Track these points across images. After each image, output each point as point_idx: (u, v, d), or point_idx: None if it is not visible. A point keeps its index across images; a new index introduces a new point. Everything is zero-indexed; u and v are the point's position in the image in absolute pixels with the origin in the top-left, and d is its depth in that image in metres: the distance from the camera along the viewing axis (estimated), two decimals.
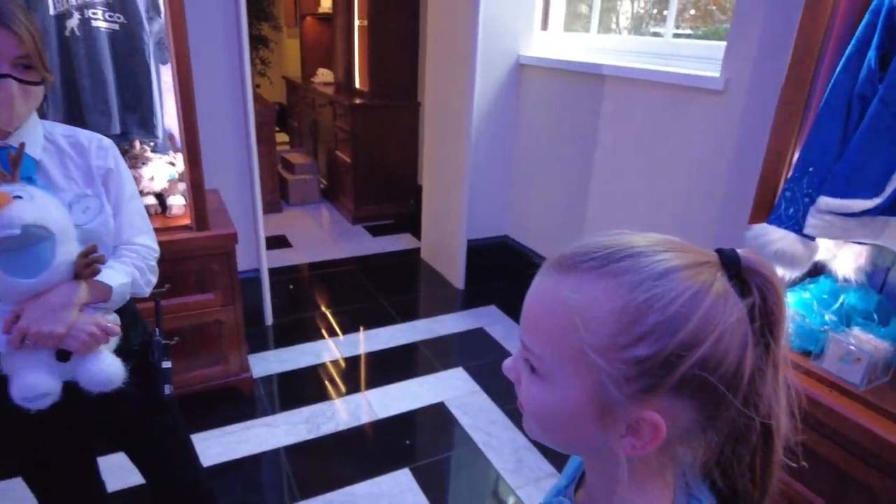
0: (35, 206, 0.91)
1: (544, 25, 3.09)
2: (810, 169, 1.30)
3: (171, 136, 2.21)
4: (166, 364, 1.17)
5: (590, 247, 0.47)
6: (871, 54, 1.22)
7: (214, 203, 2.26)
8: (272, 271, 3.22)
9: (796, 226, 1.31)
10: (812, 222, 1.28)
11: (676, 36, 2.40)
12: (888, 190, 1.19)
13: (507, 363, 0.53)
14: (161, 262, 1.91)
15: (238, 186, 2.61)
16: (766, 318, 0.45)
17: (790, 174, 1.33)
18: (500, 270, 3.30)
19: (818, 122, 1.29)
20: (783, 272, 1.35)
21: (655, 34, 2.64)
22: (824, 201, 1.26)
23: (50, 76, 0.99)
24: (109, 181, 1.09)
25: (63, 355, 1.00)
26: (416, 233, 3.80)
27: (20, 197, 0.91)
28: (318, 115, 4.79)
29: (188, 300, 2.02)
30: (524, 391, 0.51)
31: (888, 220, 1.22)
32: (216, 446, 1.95)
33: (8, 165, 0.95)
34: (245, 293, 2.54)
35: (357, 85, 4.35)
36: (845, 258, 1.42)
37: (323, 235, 3.97)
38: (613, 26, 2.98)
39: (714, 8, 2.52)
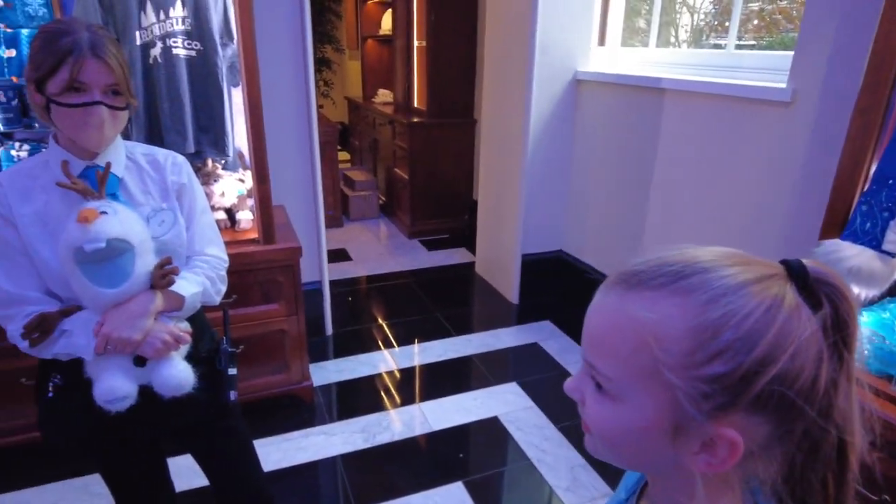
0: (118, 221, 0.99)
1: (601, 41, 3.07)
2: (890, 181, 1.23)
3: (240, 155, 2.33)
4: (232, 371, 1.23)
5: (656, 263, 0.47)
6: None
7: (280, 218, 2.36)
8: (333, 283, 3.32)
9: (874, 241, 1.25)
10: (893, 238, 1.21)
11: (739, 47, 2.33)
12: None
13: (569, 383, 0.52)
14: (229, 273, 2.02)
15: (302, 202, 2.72)
16: (838, 329, 0.44)
17: (867, 187, 1.27)
18: (555, 285, 3.26)
19: None
20: (859, 291, 1.28)
21: (717, 46, 2.58)
22: None
23: (134, 101, 1.08)
24: (183, 196, 1.17)
25: (140, 361, 1.07)
26: (471, 247, 3.83)
27: (105, 212, 0.99)
28: (377, 134, 4.92)
29: (254, 310, 2.11)
30: (590, 411, 0.50)
31: None
32: (276, 452, 2.01)
33: (96, 183, 1.04)
34: (307, 304, 2.63)
35: (415, 104, 4.44)
36: None
37: (380, 249, 4.05)
38: (672, 40, 2.93)
39: (780, 17, 2.44)
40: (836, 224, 1.31)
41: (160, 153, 1.19)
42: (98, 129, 1.02)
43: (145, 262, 1.03)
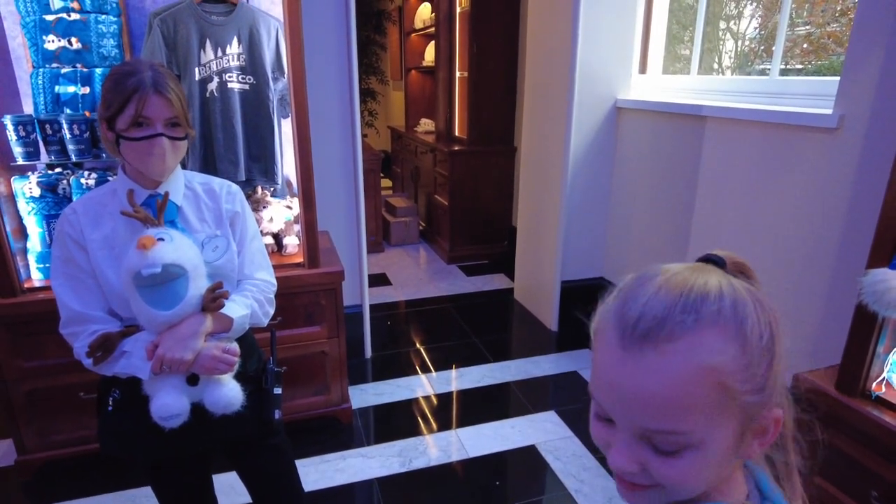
0: (174, 248, 1.06)
1: (643, 69, 3.09)
2: None
3: (288, 183, 2.44)
4: (277, 391, 1.28)
5: (664, 306, 0.46)
6: None
7: (325, 243, 2.44)
8: (373, 307, 3.38)
9: None
10: None
11: (785, 72, 2.31)
12: None
13: (621, 462, 0.49)
14: (277, 296, 2.10)
15: (345, 227, 2.80)
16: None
17: None
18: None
19: None
20: None
21: (762, 72, 2.56)
22: None
23: (192, 131, 1.17)
24: (236, 222, 1.24)
25: (193, 380, 1.13)
26: (510, 273, 3.83)
27: (162, 239, 1.06)
28: (419, 162, 5.03)
29: (297, 332, 2.17)
30: (665, 473, 0.48)
31: None
32: (314, 473, 2.05)
33: (155, 211, 1.13)
34: (348, 327, 2.69)
35: (456, 133, 4.53)
36: None
37: (420, 274, 4.10)
38: (716, 66, 2.92)
39: (829, 40, 2.41)
40: (885, 253, 1.28)
41: (216, 182, 1.27)
42: (161, 159, 1.11)
43: (198, 286, 1.10)
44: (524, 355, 2.94)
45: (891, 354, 1.35)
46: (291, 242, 2.25)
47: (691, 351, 0.45)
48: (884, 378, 1.36)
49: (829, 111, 1.91)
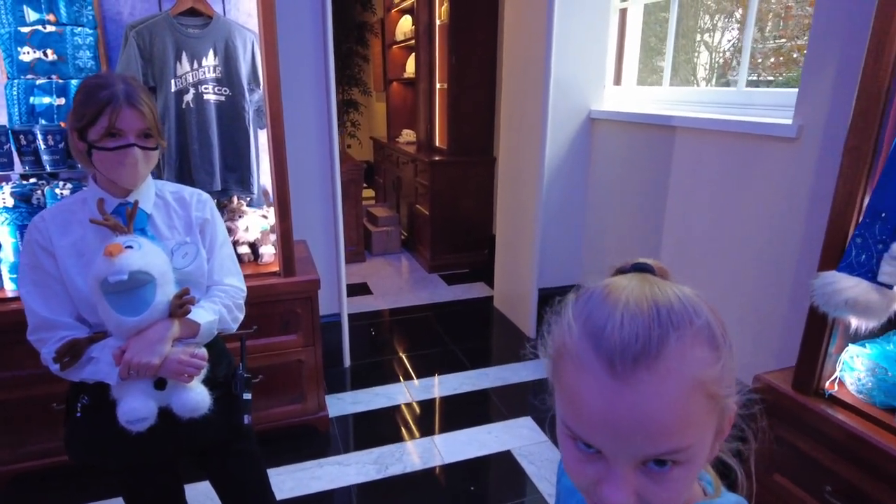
0: (141, 255, 1.08)
1: (617, 80, 3.16)
2: (883, 214, 1.25)
3: (265, 192, 2.46)
4: (247, 396, 1.30)
5: (638, 324, 0.45)
6: None
7: (301, 252, 2.46)
8: (353, 316, 3.40)
9: (869, 273, 1.26)
10: (887, 269, 1.23)
11: (756, 84, 2.39)
12: None
13: (621, 497, 0.46)
14: (250, 304, 2.10)
15: (324, 237, 2.82)
16: None
17: (861, 220, 1.29)
18: None
19: (889, 168, 1.25)
20: (858, 322, 1.29)
21: (732, 83, 2.64)
22: None
23: (163, 142, 1.19)
24: (206, 229, 1.27)
25: (160, 384, 1.14)
26: (490, 282, 3.87)
27: (131, 247, 1.08)
28: (400, 172, 5.07)
29: (273, 340, 2.18)
30: (658, 494, 0.46)
31: None
32: (290, 481, 2.06)
33: (125, 219, 1.15)
34: (326, 336, 2.70)
35: (437, 143, 4.58)
36: None
37: (401, 283, 4.13)
38: (692, 78, 3.00)
39: (797, 54, 2.49)
40: (834, 256, 1.33)
41: (187, 191, 1.30)
42: (133, 168, 1.13)
43: (165, 293, 1.12)
44: (503, 362, 2.97)
45: (842, 354, 1.40)
46: (267, 252, 2.27)
47: (681, 365, 0.44)
48: (836, 377, 1.41)
49: (790, 121, 1.98)
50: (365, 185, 6.12)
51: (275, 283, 2.13)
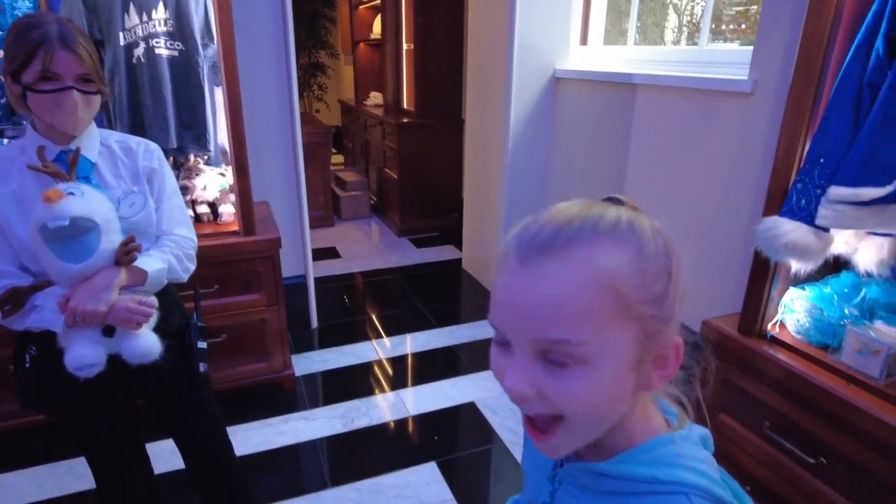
0: (83, 202, 1.06)
1: (584, 40, 3.14)
2: (821, 160, 1.29)
3: (224, 151, 2.41)
4: (202, 344, 1.30)
5: (559, 223, 0.48)
6: (879, 42, 1.21)
7: (263, 212, 2.43)
8: (322, 279, 3.39)
9: (808, 217, 1.30)
10: (824, 213, 1.27)
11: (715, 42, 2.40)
12: None
13: (514, 380, 0.48)
14: (212, 264, 2.10)
15: (287, 199, 2.79)
16: None
17: (801, 166, 1.33)
18: None
19: (828, 113, 1.29)
20: (797, 265, 1.34)
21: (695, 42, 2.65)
22: (835, 191, 1.25)
23: (105, 89, 1.16)
24: (153, 179, 1.25)
25: (108, 331, 1.14)
26: (459, 245, 3.89)
27: (72, 193, 1.06)
28: (369, 135, 5.01)
29: (235, 300, 2.18)
30: (557, 391, 0.47)
31: None
32: (256, 436, 2.08)
33: (67, 167, 1.12)
34: (293, 297, 2.70)
35: (404, 105, 4.53)
36: (866, 251, 1.39)
37: (370, 247, 4.12)
38: (660, 41, 3.00)
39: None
40: (777, 202, 1.37)
41: (133, 140, 1.27)
42: (72, 113, 1.10)
43: (110, 240, 1.10)
44: (470, 321, 3.01)
45: (784, 297, 1.46)
46: (227, 211, 2.24)
47: (589, 257, 0.46)
48: (778, 319, 1.47)
49: (745, 77, 2.01)
50: (334, 150, 6.04)
51: (235, 242, 2.11)
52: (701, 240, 2.26)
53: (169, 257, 1.22)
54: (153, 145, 1.28)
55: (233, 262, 2.12)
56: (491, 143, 3.18)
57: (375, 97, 5.29)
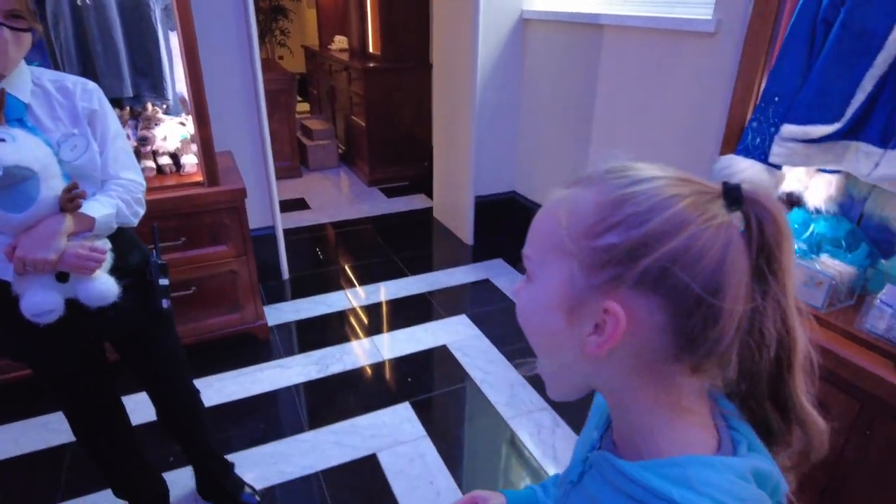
0: (16, 149, 1.01)
1: None
2: (776, 98, 1.32)
3: (183, 100, 2.33)
4: (164, 281, 1.31)
5: (605, 168, 0.49)
6: None
7: (227, 162, 2.38)
8: (291, 230, 3.38)
9: (762, 155, 1.35)
10: (776, 150, 1.31)
11: None
12: (848, 114, 1.21)
13: (515, 286, 0.54)
14: (176, 216, 2.07)
15: (252, 149, 2.73)
16: (762, 251, 0.44)
17: (757, 104, 1.36)
18: (508, 225, 3.36)
19: (783, 52, 1.31)
20: None
21: None
22: (787, 129, 1.29)
23: (38, 25, 1.09)
24: (95, 121, 1.20)
25: (62, 277, 1.14)
26: (430, 193, 3.89)
27: (3, 140, 1.01)
28: (334, 82, 4.87)
29: (203, 252, 2.16)
30: (518, 300, 0.52)
31: (849, 145, 1.24)
32: (232, 385, 2.12)
33: None
34: (262, 249, 2.69)
35: (370, 49, 4.40)
36: (816, 188, 1.44)
37: (340, 198, 4.09)
38: None
39: None
40: (733, 140, 1.41)
41: (69, 79, 1.20)
42: (2, 52, 1.04)
43: (51, 187, 1.07)
44: (441, 268, 3.05)
45: None
46: (189, 161, 2.19)
47: (569, 192, 0.48)
48: None
49: (710, 17, 2.01)
50: (299, 98, 5.87)
51: (199, 194, 2.07)
52: None
53: (117, 202, 1.20)
54: (92, 85, 1.22)
55: (198, 213, 2.09)
56: (459, 88, 3.14)
57: (340, 41, 5.12)
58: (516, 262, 3.07)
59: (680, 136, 2.21)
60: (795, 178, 1.44)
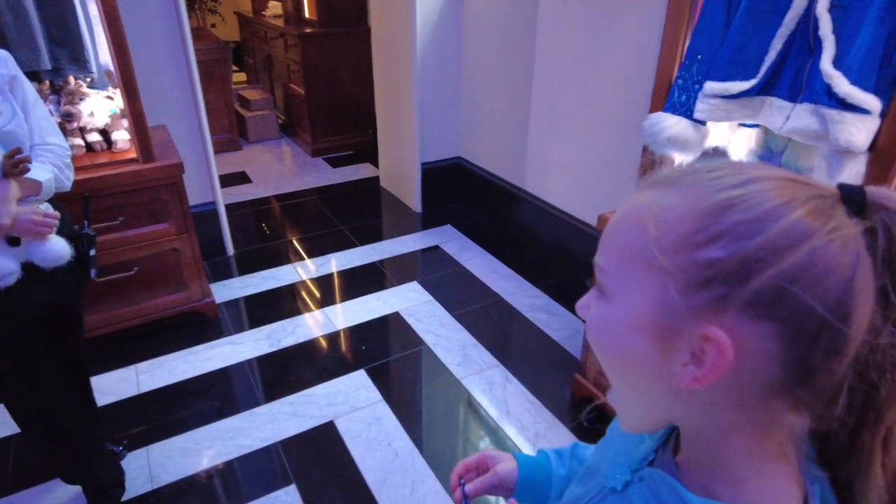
0: None
1: None
2: (699, 56, 1.38)
3: (109, 73, 2.22)
4: (92, 252, 1.34)
5: (696, 167, 0.42)
6: None
7: (162, 137, 2.30)
8: (234, 206, 3.30)
9: (688, 112, 1.41)
10: (700, 107, 1.37)
11: None
12: (762, 71, 1.28)
13: (579, 301, 0.48)
14: (112, 195, 2.01)
15: (187, 122, 2.63)
16: (891, 267, 0.37)
17: (682, 62, 1.42)
18: (456, 191, 3.39)
19: (704, 11, 1.36)
20: (679, 157, 1.46)
21: None
22: (709, 86, 1.35)
23: None
24: (15, 87, 1.19)
25: (13, 241, 1.14)
26: (376, 162, 3.86)
27: None
28: (271, 50, 4.71)
29: (143, 231, 2.10)
30: (589, 320, 0.46)
31: (764, 100, 1.32)
32: (183, 364, 2.09)
33: None
34: (205, 226, 2.63)
35: (306, 14, 4.26)
36: (738, 142, 1.53)
37: (283, 170, 4.01)
38: None
39: None
40: (661, 98, 1.47)
41: None
42: None
43: None
44: (391, 237, 3.06)
45: None
46: (121, 137, 2.10)
47: (651, 193, 0.42)
48: None
49: None
50: (235, 67, 5.65)
51: (134, 171, 2.00)
52: (603, 137, 2.37)
53: (51, 167, 1.21)
54: (3, 52, 1.20)
55: (134, 191, 2.02)
56: (399, 52, 3.09)
57: (274, 7, 4.92)
58: (465, 228, 3.11)
59: (617, 94, 2.27)
60: (720, 134, 1.52)
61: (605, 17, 2.23)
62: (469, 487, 0.69)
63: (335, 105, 4.18)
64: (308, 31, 3.98)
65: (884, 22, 1.04)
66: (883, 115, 1.08)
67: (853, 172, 1.14)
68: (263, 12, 5.05)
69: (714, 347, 0.37)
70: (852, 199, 0.38)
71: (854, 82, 1.08)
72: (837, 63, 1.11)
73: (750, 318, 0.36)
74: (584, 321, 0.47)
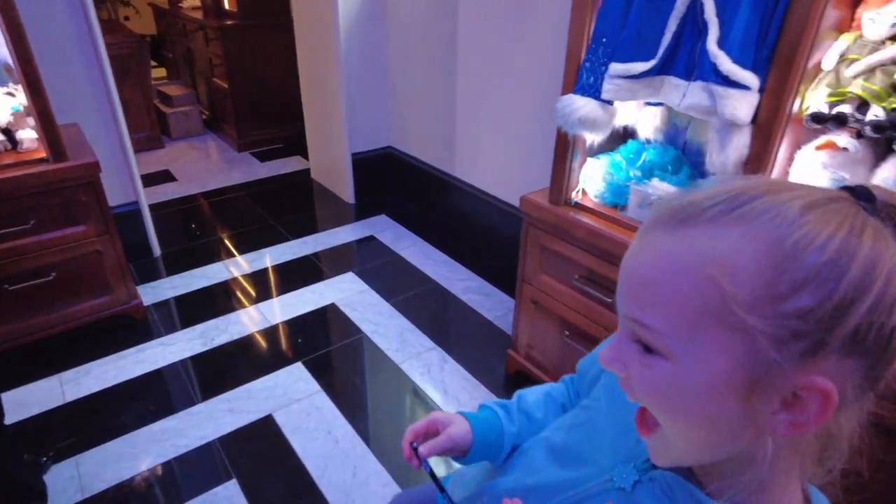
0: None
1: None
2: (604, 40, 1.46)
3: (8, 68, 2.09)
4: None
5: (710, 194, 0.40)
6: None
7: (74, 136, 2.19)
8: (158, 205, 3.19)
9: (596, 93, 1.49)
10: (606, 87, 1.46)
11: None
12: (660, 52, 1.37)
13: (605, 354, 0.44)
14: (22, 197, 1.91)
15: (102, 120, 2.51)
16: None
17: (588, 45, 1.49)
18: (388, 181, 3.41)
19: None
20: (590, 137, 1.55)
21: None
22: (614, 67, 1.43)
23: None
24: None
25: None
26: (306, 154, 3.81)
27: None
28: (190, 43, 4.54)
29: (60, 234, 2.01)
30: (639, 380, 0.42)
31: (663, 79, 1.41)
32: (112, 370, 2.02)
33: None
34: (128, 227, 2.54)
35: (226, 5, 4.13)
36: (645, 120, 1.63)
37: (209, 166, 3.89)
38: None
39: None
40: (571, 81, 1.54)
41: None
42: None
43: None
44: (324, 229, 3.05)
45: (582, 168, 1.69)
46: (27, 136, 1.99)
47: (698, 236, 0.38)
48: (580, 188, 1.70)
49: None
50: (154, 62, 5.40)
51: (44, 171, 1.91)
52: (525, 121, 2.45)
53: None
54: None
55: (46, 192, 1.93)
56: (323, 42, 3.07)
57: None
58: (399, 216, 3.14)
59: (535, 79, 2.35)
60: (628, 113, 1.62)
61: (522, 4, 2.30)
62: (422, 450, 0.68)
63: (261, 98, 4.10)
64: (229, 23, 3.87)
65: (758, 4, 1.15)
66: (761, 90, 1.19)
67: (739, 144, 1.24)
68: (181, 4, 4.84)
69: (818, 395, 0.36)
70: (868, 200, 0.38)
71: (735, 61, 1.18)
72: (721, 43, 1.21)
73: (843, 358, 0.36)
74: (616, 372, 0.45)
